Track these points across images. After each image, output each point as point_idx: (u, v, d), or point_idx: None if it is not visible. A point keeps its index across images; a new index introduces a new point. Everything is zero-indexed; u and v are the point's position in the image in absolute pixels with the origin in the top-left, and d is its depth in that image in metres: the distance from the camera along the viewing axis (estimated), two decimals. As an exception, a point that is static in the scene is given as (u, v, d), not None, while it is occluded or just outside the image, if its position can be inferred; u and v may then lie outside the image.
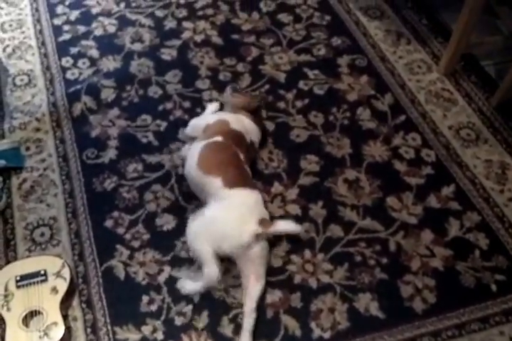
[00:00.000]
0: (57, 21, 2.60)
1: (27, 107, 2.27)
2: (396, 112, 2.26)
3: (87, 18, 2.61)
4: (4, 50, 2.49)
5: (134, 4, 2.67)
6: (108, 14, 2.62)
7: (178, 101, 2.29)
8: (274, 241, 1.89)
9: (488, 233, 1.93)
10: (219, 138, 1.93)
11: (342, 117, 2.24)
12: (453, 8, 2.47)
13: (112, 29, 2.56)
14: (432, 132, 2.20)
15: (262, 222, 1.74)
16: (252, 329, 1.71)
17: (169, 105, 2.28)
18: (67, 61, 2.44)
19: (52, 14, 2.63)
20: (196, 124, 2.09)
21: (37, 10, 2.65)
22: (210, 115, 2.15)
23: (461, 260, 1.87)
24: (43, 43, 2.51)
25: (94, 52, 2.47)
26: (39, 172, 2.07)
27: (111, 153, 2.13)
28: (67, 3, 2.68)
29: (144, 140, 2.17)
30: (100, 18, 2.61)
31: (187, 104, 2.28)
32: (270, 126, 2.21)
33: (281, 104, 2.28)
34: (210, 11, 2.64)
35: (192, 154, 1.92)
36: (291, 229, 1.81)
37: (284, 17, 2.62)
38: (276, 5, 2.68)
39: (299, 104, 2.27)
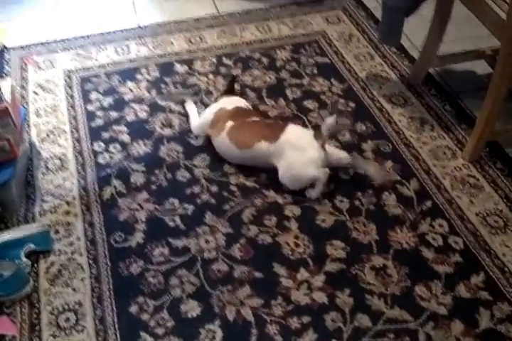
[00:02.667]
0: (90, 107, 2.69)
1: (58, 191, 2.31)
2: (422, 198, 2.26)
3: (119, 104, 2.70)
4: (38, 134, 2.57)
5: (164, 91, 2.77)
6: (140, 101, 2.72)
7: (206, 185, 2.33)
8: (300, 330, 1.86)
9: (520, 324, 1.88)
10: (231, 123, 2.35)
11: (367, 202, 2.25)
12: (476, 95, 2.53)
13: (143, 115, 2.64)
14: (458, 218, 2.19)
15: (316, 137, 2.21)
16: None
17: (197, 189, 2.31)
18: (99, 145, 2.50)
19: (86, 100, 2.73)
20: (201, 125, 2.49)
21: (71, 96, 2.76)
22: (206, 112, 2.51)
23: (493, 353, 1.81)
24: (76, 128, 2.59)
25: (125, 137, 2.54)
26: (67, 256, 2.08)
27: (138, 237, 2.14)
28: (100, 90, 2.78)
29: (171, 223, 2.19)
30: (132, 105, 2.70)
31: (214, 188, 2.31)
32: (296, 210, 2.22)
33: (307, 189, 2.30)
34: (237, 99, 2.72)
35: (227, 145, 2.35)
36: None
37: (309, 103, 2.69)
38: (302, 92, 2.75)
39: (324, 189, 2.28)
